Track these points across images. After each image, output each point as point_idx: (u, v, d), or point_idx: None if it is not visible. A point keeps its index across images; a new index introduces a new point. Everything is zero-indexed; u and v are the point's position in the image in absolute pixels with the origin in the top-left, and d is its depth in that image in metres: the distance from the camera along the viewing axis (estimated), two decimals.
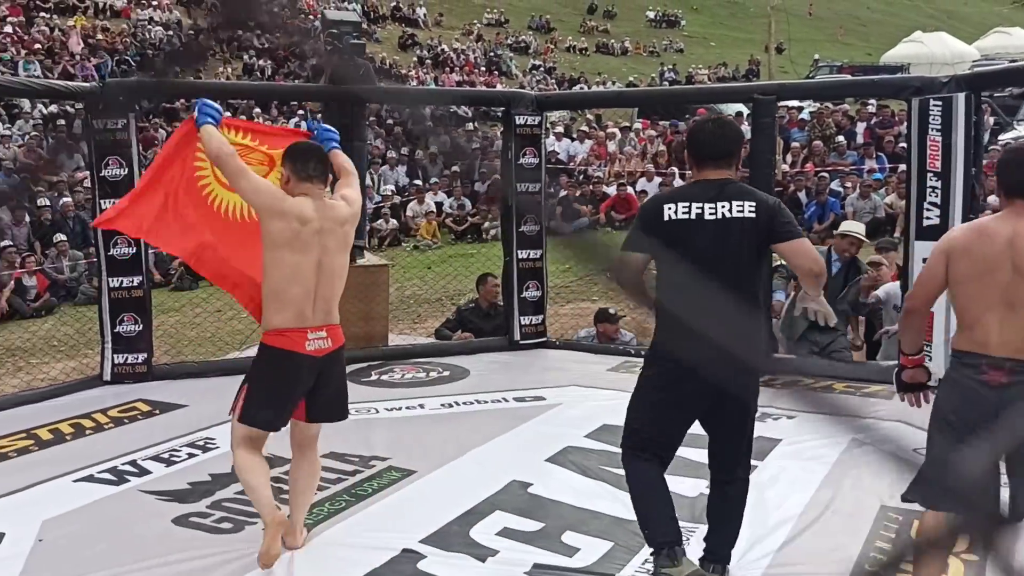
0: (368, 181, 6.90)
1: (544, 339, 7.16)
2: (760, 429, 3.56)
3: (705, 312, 3.06)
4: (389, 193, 14.26)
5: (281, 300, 3.37)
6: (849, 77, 19.97)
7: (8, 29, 21.70)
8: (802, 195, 12.54)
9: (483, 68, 30.23)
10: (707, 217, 3.04)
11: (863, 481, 4.24)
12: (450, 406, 5.62)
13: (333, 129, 3.93)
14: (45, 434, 5.11)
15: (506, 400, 5.71)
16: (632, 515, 3.41)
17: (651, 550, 3.23)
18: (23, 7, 23.69)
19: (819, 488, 4.15)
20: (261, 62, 24.43)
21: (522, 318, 7.06)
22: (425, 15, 34.53)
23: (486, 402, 5.68)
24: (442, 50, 30.39)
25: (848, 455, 4.55)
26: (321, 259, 3.39)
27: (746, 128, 6.42)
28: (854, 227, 7.33)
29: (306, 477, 3.60)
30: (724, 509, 3.32)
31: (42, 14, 23.66)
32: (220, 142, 3.51)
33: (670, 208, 3.08)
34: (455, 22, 35.66)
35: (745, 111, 15.94)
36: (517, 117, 6.91)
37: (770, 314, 6.39)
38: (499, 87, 24.92)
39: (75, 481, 4.37)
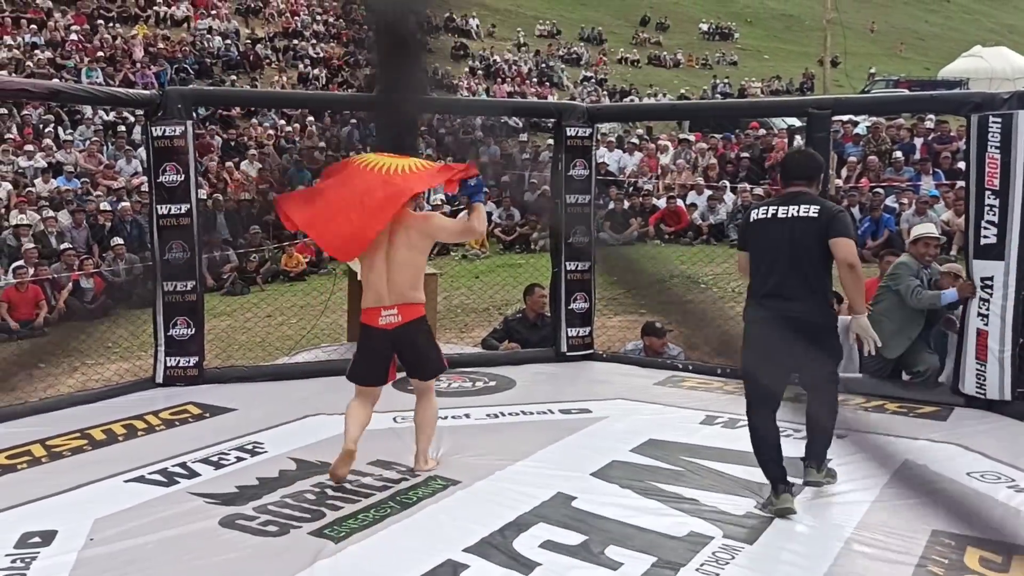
0: None
1: (591, 351, 7.14)
2: None
3: (765, 283, 3.92)
4: (439, 202, 14.34)
5: (366, 286, 4.41)
6: (907, 92, 19.66)
7: (73, 37, 22.28)
8: (856, 210, 12.32)
9: (534, 79, 30.31)
10: (779, 216, 3.94)
11: (915, 504, 4.15)
12: (496, 416, 5.62)
13: (481, 188, 4.65)
14: (98, 434, 5.23)
15: (552, 412, 5.70)
16: (676, 532, 3.85)
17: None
18: (87, 16, 24.29)
19: (869, 509, 4.07)
20: (316, 71, 24.77)
21: (569, 330, 7.05)
22: (478, 26, 34.73)
23: (532, 413, 5.67)
24: (494, 61, 30.53)
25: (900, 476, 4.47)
26: (388, 253, 4.35)
27: (799, 142, 6.35)
28: (927, 228, 6.37)
29: (422, 418, 4.54)
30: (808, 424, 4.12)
31: (105, 22, 24.22)
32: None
33: (756, 212, 4.06)
34: (507, 33, 35.81)
35: (798, 124, 15.84)
36: (568, 128, 6.92)
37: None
38: (550, 98, 24.97)
39: (126, 481, 4.46)
